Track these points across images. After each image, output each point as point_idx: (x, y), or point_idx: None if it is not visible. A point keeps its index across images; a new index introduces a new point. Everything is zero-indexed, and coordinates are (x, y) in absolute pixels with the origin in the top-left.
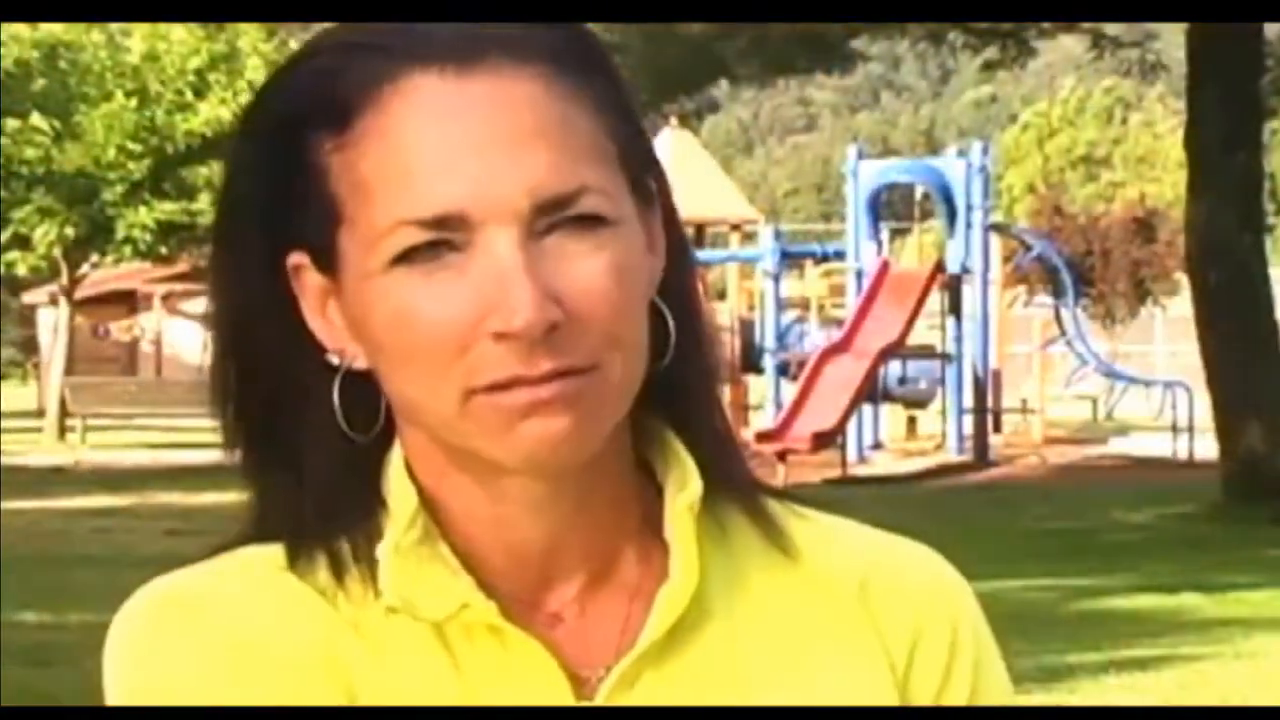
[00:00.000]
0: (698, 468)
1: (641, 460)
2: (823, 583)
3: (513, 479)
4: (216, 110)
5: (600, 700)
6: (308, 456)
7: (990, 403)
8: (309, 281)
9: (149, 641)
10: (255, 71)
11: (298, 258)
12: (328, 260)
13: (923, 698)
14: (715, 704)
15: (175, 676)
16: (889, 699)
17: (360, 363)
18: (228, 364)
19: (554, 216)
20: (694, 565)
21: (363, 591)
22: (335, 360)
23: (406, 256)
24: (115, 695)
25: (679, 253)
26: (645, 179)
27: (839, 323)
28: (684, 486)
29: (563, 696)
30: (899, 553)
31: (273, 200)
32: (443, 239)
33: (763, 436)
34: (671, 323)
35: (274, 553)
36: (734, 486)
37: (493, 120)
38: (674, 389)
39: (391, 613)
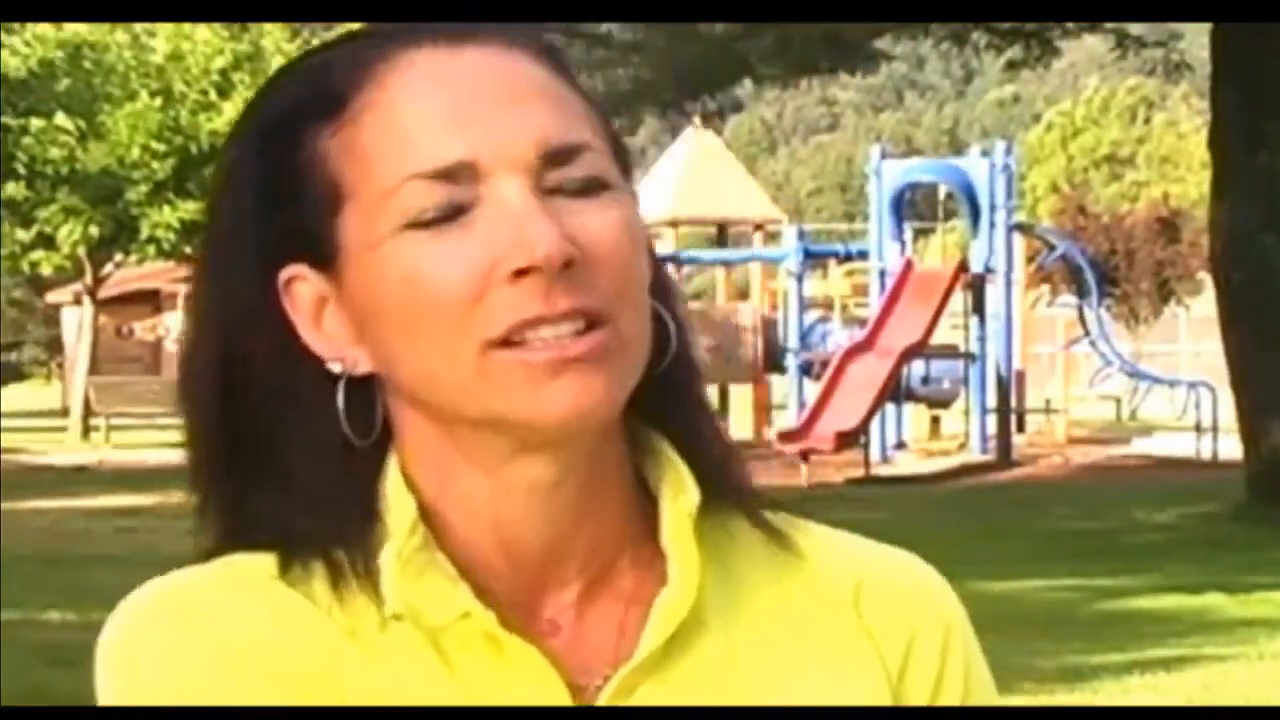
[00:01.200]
0: (703, 474)
1: (635, 470)
2: (819, 591)
3: (520, 467)
4: (240, 110)
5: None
6: (302, 467)
7: (1014, 403)
8: (302, 294)
9: (145, 645)
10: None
11: (291, 270)
12: (327, 250)
13: (917, 700)
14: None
15: (172, 682)
16: (884, 704)
17: (362, 367)
18: (215, 378)
19: (559, 172)
20: (693, 572)
21: (357, 601)
22: (336, 368)
23: (414, 224)
24: (110, 698)
25: (655, 265)
26: (629, 171)
27: (862, 322)
28: (681, 493)
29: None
30: (888, 559)
31: (267, 203)
32: (451, 204)
33: (786, 436)
34: (672, 324)
35: (265, 561)
36: (740, 493)
37: (491, 81)
38: (669, 395)
39: (395, 619)
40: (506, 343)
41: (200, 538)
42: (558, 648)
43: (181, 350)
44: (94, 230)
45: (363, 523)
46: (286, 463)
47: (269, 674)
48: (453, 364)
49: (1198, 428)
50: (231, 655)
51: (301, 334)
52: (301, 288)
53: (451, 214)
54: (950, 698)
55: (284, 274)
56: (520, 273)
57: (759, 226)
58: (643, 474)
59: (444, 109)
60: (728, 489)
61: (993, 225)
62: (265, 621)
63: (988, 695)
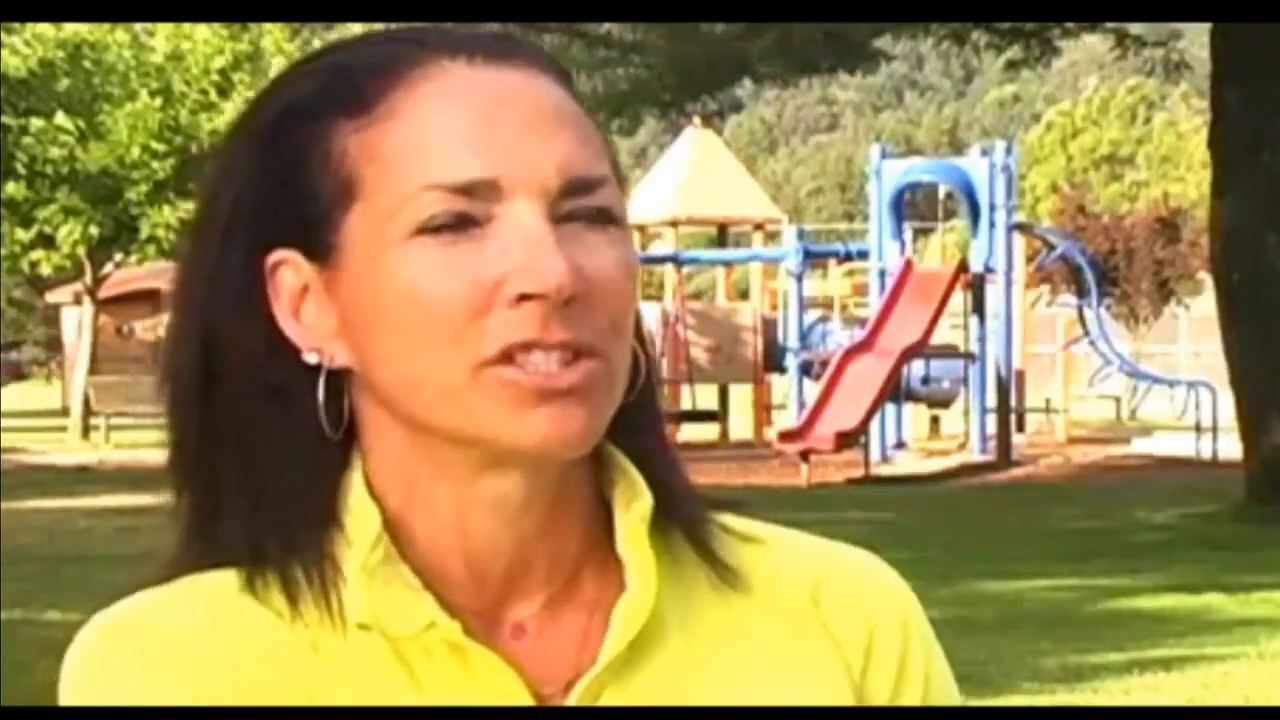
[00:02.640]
0: (658, 493)
1: (595, 483)
2: (775, 600)
3: (489, 483)
4: (240, 110)
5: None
6: (274, 458)
7: (1013, 402)
8: (286, 281)
9: (109, 671)
10: (279, 71)
11: (280, 255)
12: (326, 245)
13: (880, 694)
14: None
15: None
16: (848, 703)
17: (339, 361)
18: (197, 364)
19: (576, 201)
20: (651, 577)
21: (319, 614)
22: (312, 359)
23: (427, 230)
24: None
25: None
26: (626, 193)
27: (862, 322)
28: (635, 500)
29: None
30: (845, 558)
31: (271, 189)
32: (465, 213)
33: (786, 436)
34: (643, 356)
35: (229, 577)
36: (681, 518)
37: (524, 102)
38: (633, 422)
39: (361, 629)
40: (498, 360)
41: (176, 527)
42: (522, 657)
43: (166, 337)
44: (94, 230)
45: (322, 528)
46: (261, 451)
47: (234, 693)
48: (442, 374)
49: (1198, 428)
50: (193, 678)
51: (279, 320)
52: (286, 273)
53: (462, 224)
54: (912, 689)
55: (272, 257)
56: (524, 297)
57: (759, 226)
58: (599, 485)
59: (472, 124)
60: (677, 512)
61: (993, 225)
62: (229, 640)
63: (948, 686)
